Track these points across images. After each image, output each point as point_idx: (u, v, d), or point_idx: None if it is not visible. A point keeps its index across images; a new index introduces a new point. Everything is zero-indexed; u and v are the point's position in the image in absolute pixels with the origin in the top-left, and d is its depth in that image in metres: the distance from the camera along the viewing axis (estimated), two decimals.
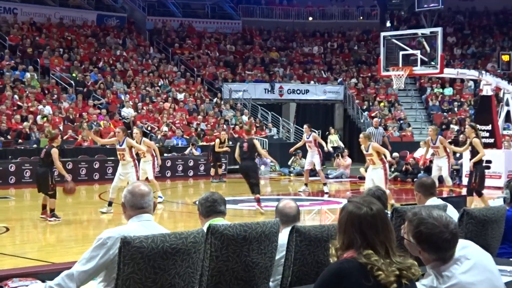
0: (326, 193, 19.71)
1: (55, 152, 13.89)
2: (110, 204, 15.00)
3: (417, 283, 3.40)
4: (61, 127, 25.97)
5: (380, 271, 3.16)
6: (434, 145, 18.39)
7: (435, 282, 3.54)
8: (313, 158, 20.06)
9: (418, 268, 3.33)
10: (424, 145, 21.40)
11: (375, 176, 15.46)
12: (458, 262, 3.59)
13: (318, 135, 28.13)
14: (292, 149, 22.45)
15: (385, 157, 15.86)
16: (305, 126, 20.83)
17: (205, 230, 4.73)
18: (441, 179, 18.58)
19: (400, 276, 3.21)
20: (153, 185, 16.91)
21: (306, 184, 20.53)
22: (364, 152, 15.85)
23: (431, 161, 20.60)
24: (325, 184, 20.26)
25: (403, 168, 23.90)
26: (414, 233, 3.60)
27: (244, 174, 15.88)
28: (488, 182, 20.78)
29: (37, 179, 14.45)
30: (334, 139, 30.69)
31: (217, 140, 24.46)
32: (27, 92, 27.81)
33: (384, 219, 3.37)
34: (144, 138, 17.20)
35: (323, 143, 21.28)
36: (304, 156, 26.13)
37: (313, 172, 21.77)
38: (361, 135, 16.25)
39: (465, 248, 3.68)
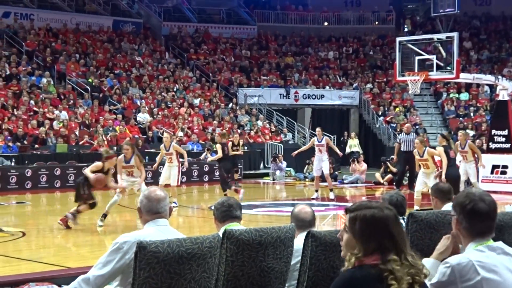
0: (332, 199, 19.49)
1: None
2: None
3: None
4: (77, 133, 26.11)
5: (394, 280, 3.15)
6: (463, 149, 18.29)
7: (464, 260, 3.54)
8: (321, 163, 19.81)
9: (428, 269, 3.34)
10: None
11: (428, 180, 15.62)
12: (496, 250, 3.62)
13: (333, 140, 28.11)
14: (295, 152, 21.96)
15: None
16: (317, 129, 20.62)
17: (221, 235, 4.74)
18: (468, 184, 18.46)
19: (413, 282, 3.20)
20: (172, 191, 16.98)
21: (317, 191, 20.21)
22: (418, 157, 16.00)
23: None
24: (331, 190, 20.03)
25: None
26: (454, 204, 3.75)
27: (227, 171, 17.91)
28: (504, 187, 20.79)
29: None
30: (353, 143, 30.59)
31: (230, 144, 24.35)
32: (44, 98, 27.95)
33: (399, 222, 3.38)
34: (173, 143, 17.25)
35: (335, 148, 20.99)
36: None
37: (322, 177, 21.62)
38: (417, 141, 16.46)
39: (504, 245, 3.69)
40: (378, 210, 3.36)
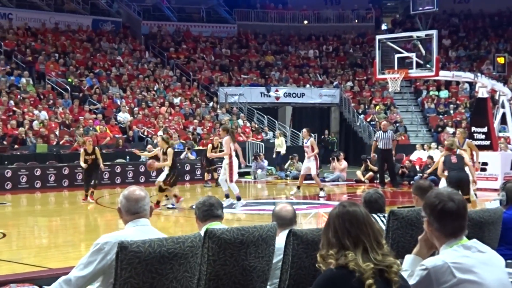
0: (323, 197, 19.65)
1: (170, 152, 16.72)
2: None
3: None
4: (57, 133, 25.97)
5: (364, 276, 3.21)
6: (462, 148, 18.37)
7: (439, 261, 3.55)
8: (309, 163, 19.95)
9: (400, 266, 3.38)
10: (420, 147, 21.45)
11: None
12: (471, 249, 3.62)
13: (314, 138, 28.18)
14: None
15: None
16: (303, 130, 20.78)
17: (202, 234, 4.73)
18: (435, 181, 18.61)
19: (382, 276, 3.26)
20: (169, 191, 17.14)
21: (298, 187, 20.38)
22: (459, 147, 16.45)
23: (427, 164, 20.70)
24: (321, 189, 20.16)
25: (399, 171, 23.88)
26: (424, 207, 3.72)
27: None
28: (484, 184, 20.94)
29: None
30: (279, 143, 29.18)
31: (210, 146, 24.34)
32: (23, 97, 27.77)
33: (360, 217, 3.41)
34: (169, 149, 17.30)
35: (316, 149, 21.04)
36: (301, 160, 26.18)
37: (308, 176, 21.68)
38: (460, 130, 18.07)
39: (478, 243, 3.70)
40: (342, 208, 3.44)
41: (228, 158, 17.30)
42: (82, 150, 18.06)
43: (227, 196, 17.05)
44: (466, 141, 18.51)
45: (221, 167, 26.06)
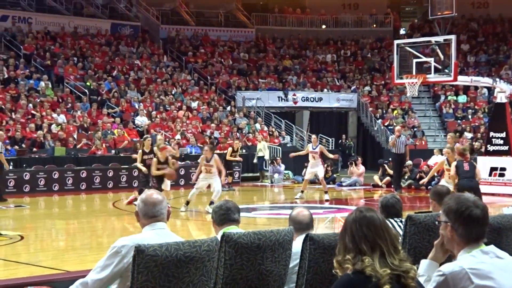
0: (327, 200, 19.63)
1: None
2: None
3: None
4: (75, 136, 26.09)
5: (381, 281, 3.20)
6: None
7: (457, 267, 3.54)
8: (316, 168, 20.05)
9: (417, 272, 3.39)
10: (438, 152, 21.40)
11: None
12: (489, 254, 3.61)
13: (332, 143, 28.24)
14: (293, 154, 22.85)
15: None
16: (313, 136, 21.06)
17: (219, 238, 4.73)
18: None
19: (398, 281, 3.25)
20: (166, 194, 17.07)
21: (302, 191, 20.46)
22: None
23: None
24: (326, 192, 20.19)
25: (417, 176, 23.80)
26: (447, 211, 3.70)
27: None
28: (502, 189, 20.83)
29: None
30: (261, 147, 28.04)
31: (230, 149, 24.42)
32: (41, 101, 27.93)
33: (377, 222, 3.41)
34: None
35: (329, 155, 21.33)
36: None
37: (312, 180, 21.93)
38: (450, 135, 19.11)
39: (496, 249, 3.68)
40: (358, 213, 3.43)
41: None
42: (155, 159, 16.70)
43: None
44: (456, 145, 18.64)
45: (238, 170, 26.31)
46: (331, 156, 21.77)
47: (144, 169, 16.92)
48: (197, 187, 17.26)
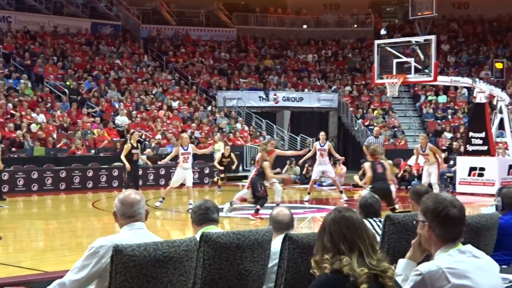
0: (346, 201, 19.61)
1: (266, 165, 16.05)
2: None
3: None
4: (54, 136, 25.93)
5: (358, 280, 3.21)
6: (424, 152, 18.88)
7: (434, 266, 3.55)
8: (325, 167, 20.01)
9: (394, 271, 3.40)
10: (415, 152, 21.52)
11: (432, 170, 18.95)
12: (466, 254, 3.63)
13: (312, 143, 28.24)
14: (301, 161, 23.12)
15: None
16: (321, 133, 20.84)
17: (198, 238, 4.72)
18: (431, 185, 18.85)
19: (376, 281, 3.26)
20: (189, 193, 17.14)
21: (309, 193, 20.25)
22: (421, 152, 19.09)
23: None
24: (341, 192, 20.24)
25: (400, 175, 23.94)
26: (424, 211, 3.73)
27: None
28: (481, 189, 20.97)
29: None
30: (217, 148, 26.82)
31: (220, 155, 24.56)
32: (21, 100, 27.74)
33: (356, 222, 3.43)
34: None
35: (336, 154, 21.46)
36: (297, 163, 26.21)
37: (306, 180, 21.86)
38: (422, 135, 19.90)
39: (473, 248, 3.70)
40: (337, 213, 3.44)
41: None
42: (266, 163, 16.66)
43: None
44: (428, 145, 19.09)
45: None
46: (338, 156, 21.92)
47: (128, 165, 17.11)
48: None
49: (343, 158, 22.92)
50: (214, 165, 24.70)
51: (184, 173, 17.52)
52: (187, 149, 17.60)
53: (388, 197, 13.46)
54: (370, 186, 13.88)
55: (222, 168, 24.56)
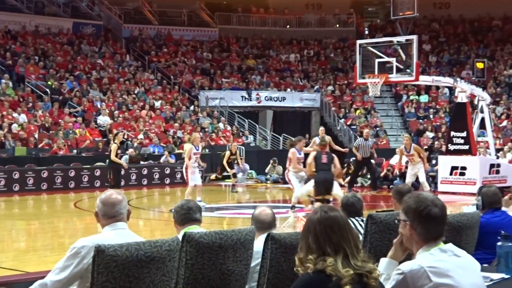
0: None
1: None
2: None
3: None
4: (36, 136, 25.81)
5: (342, 281, 3.21)
6: (409, 153, 19.00)
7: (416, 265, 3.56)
8: None
9: (379, 272, 3.40)
10: (398, 152, 21.65)
11: (418, 170, 19.40)
12: (447, 252, 3.64)
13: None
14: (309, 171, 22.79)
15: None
16: (321, 128, 20.84)
17: (180, 238, 4.71)
18: (415, 185, 19.01)
19: (360, 281, 3.26)
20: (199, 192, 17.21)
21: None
22: (405, 153, 19.51)
23: (406, 167, 20.90)
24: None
25: (382, 175, 24.04)
26: (406, 210, 3.72)
27: None
28: (462, 188, 21.08)
29: None
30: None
31: (228, 153, 24.52)
32: (2, 100, 27.56)
33: (341, 223, 3.42)
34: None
35: (336, 146, 21.29)
36: (280, 163, 26.20)
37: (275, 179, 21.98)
38: (406, 136, 20.69)
39: (454, 247, 3.72)
40: (323, 213, 3.44)
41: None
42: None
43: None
44: (413, 146, 19.31)
45: (202, 170, 26.27)
46: (340, 148, 21.86)
47: (125, 164, 17.23)
48: None
49: (347, 149, 22.97)
50: (222, 163, 24.54)
51: (196, 173, 17.77)
52: (199, 149, 17.97)
53: (328, 187, 13.87)
54: (314, 171, 14.29)
55: (229, 169, 24.42)
